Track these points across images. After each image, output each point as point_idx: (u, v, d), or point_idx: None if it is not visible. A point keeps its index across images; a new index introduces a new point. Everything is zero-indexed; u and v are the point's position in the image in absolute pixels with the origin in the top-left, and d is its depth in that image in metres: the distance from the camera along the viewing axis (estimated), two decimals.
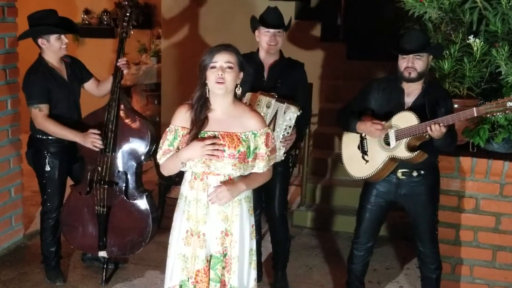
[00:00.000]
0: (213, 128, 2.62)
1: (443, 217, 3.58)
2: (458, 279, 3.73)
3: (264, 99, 3.49)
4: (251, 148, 2.64)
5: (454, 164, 3.60)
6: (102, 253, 3.77)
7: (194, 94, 2.66)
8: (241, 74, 2.66)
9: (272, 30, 3.57)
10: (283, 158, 3.55)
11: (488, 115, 2.95)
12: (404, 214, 3.40)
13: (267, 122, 3.50)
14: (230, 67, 2.58)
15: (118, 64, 3.75)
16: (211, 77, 2.58)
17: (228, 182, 2.62)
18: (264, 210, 3.86)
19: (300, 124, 3.58)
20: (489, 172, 3.56)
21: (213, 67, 2.58)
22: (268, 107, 3.49)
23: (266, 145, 2.66)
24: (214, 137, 2.60)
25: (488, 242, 3.65)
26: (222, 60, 2.58)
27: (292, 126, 3.49)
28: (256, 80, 3.62)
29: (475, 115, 2.91)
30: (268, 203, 3.77)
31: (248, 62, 3.64)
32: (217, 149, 2.57)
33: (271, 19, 3.62)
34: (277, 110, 3.46)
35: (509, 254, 3.63)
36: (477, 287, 3.71)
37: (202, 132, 2.62)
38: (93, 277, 3.99)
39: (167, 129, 2.70)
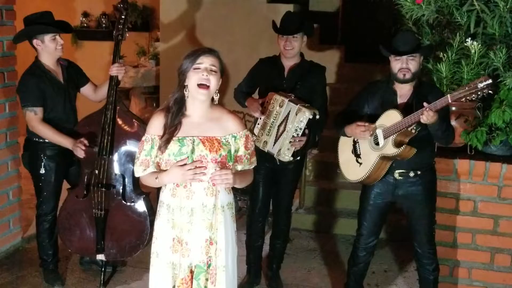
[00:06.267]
0: (192, 133, 2.56)
1: (441, 219, 3.58)
2: (456, 282, 3.72)
3: (278, 98, 3.55)
4: (232, 152, 2.59)
5: (452, 166, 3.60)
6: (100, 256, 3.76)
7: (171, 97, 2.58)
8: (220, 81, 2.59)
9: (286, 36, 3.62)
10: (291, 159, 3.56)
11: (463, 100, 2.97)
12: (403, 217, 3.41)
13: (278, 122, 3.54)
14: (214, 71, 2.52)
15: (110, 72, 3.70)
16: (194, 78, 2.50)
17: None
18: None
19: (315, 129, 3.58)
20: (487, 175, 3.56)
21: (197, 68, 2.50)
22: (281, 106, 3.54)
23: (246, 147, 2.61)
24: (194, 161, 2.53)
25: (486, 244, 3.64)
26: (207, 62, 2.51)
27: (302, 128, 3.49)
28: (276, 82, 3.68)
29: (450, 101, 2.96)
30: (277, 197, 3.83)
31: (269, 65, 3.73)
32: (199, 173, 2.52)
33: (284, 25, 3.67)
34: (289, 111, 3.49)
35: (508, 257, 3.63)
36: None
37: (180, 138, 2.56)
38: (91, 280, 3.98)
39: (143, 138, 2.64)
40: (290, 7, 5.76)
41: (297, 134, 3.50)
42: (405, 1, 3.69)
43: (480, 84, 2.89)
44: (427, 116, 2.95)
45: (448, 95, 2.96)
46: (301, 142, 3.53)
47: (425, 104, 2.99)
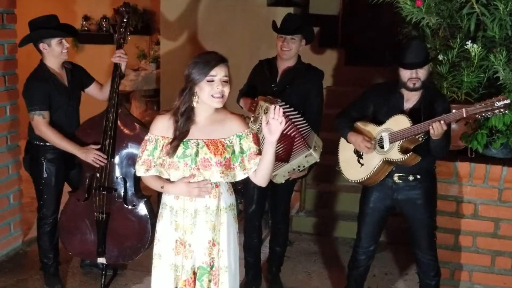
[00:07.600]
0: (196, 136, 2.57)
1: (442, 222, 3.58)
2: (457, 285, 3.72)
3: (263, 105, 3.49)
4: (236, 152, 2.59)
5: (453, 169, 3.60)
6: (101, 260, 3.76)
7: (179, 105, 2.55)
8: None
9: (284, 36, 3.61)
10: (283, 182, 3.61)
11: (477, 116, 2.95)
12: (403, 220, 3.40)
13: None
14: (226, 81, 2.52)
15: (112, 59, 3.69)
16: (207, 89, 2.49)
17: None
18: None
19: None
20: (488, 177, 3.56)
21: (211, 81, 2.49)
22: (265, 112, 3.48)
23: (256, 143, 2.62)
24: (203, 181, 2.57)
25: (487, 247, 3.65)
26: (221, 73, 2.50)
27: (306, 167, 3.55)
28: (267, 85, 3.66)
29: (464, 115, 2.93)
30: (274, 200, 3.85)
31: (266, 66, 3.72)
32: (204, 190, 2.57)
33: (283, 25, 3.66)
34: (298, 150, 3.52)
35: (508, 259, 3.63)
36: None
37: (184, 141, 2.56)
38: (91, 284, 3.98)
39: (146, 137, 2.64)
40: (290, 10, 5.78)
41: (298, 169, 3.55)
42: (405, 4, 3.69)
43: (497, 102, 2.85)
44: (441, 127, 2.91)
45: (463, 109, 2.91)
46: (298, 176, 3.64)
47: (435, 125, 2.94)
